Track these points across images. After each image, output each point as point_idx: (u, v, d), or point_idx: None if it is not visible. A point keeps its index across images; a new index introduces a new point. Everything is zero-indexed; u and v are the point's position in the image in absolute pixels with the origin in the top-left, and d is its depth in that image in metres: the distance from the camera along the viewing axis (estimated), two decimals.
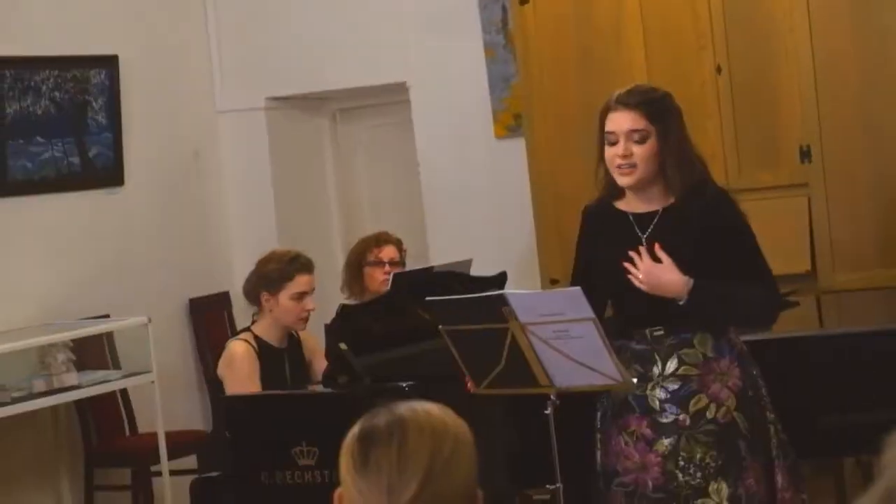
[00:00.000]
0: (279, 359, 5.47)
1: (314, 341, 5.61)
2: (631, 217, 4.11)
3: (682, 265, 3.96)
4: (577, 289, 3.92)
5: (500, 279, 5.29)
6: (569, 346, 3.94)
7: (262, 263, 5.53)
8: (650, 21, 6.52)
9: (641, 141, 4.02)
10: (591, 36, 6.65)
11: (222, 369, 5.45)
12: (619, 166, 4.03)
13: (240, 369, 5.35)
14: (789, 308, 4.24)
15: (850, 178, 6.18)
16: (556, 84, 6.75)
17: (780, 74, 6.30)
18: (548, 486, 4.24)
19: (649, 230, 4.07)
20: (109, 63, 7.51)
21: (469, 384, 4.17)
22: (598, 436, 4.17)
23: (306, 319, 5.50)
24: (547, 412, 4.08)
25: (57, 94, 7.27)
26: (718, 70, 6.38)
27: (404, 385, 4.63)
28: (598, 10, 6.62)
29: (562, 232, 6.65)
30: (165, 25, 7.95)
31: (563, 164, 6.70)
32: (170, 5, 7.99)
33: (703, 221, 4.04)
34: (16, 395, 6.39)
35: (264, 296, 5.44)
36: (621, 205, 4.16)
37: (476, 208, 7.59)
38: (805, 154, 6.22)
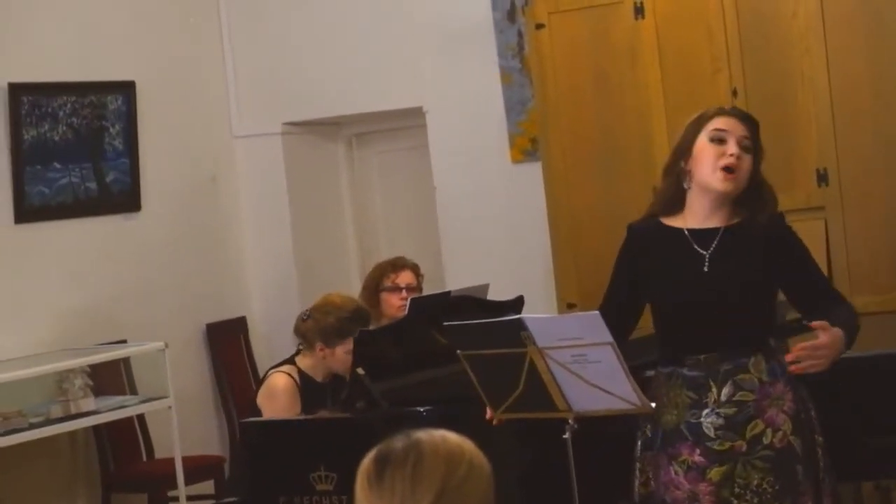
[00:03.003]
0: (321, 392, 5.45)
1: None
2: (687, 233, 4.04)
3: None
4: (595, 313, 3.90)
5: (517, 303, 5.28)
6: (587, 370, 3.93)
7: (322, 314, 5.44)
8: (666, 44, 6.52)
9: (747, 151, 4.00)
10: (607, 60, 6.65)
11: (262, 399, 5.44)
12: (725, 167, 3.97)
13: (279, 402, 5.34)
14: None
15: (866, 202, 6.17)
16: (572, 108, 6.74)
17: (796, 97, 6.29)
18: None
19: (713, 247, 4.01)
20: (126, 89, 7.54)
21: (488, 413, 4.15)
22: (638, 465, 4.12)
23: None
24: (565, 437, 4.07)
25: (74, 119, 7.29)
26: (734, 93, 6.36)
27: (422, 410, 4.63)
28: (614, 34, 6.62)
29: (578, 256, 6.65)
30: (182, 51, 7.98)
31: (580, 189, 6.69)
32: (187, 32, 8.02)
33: (770, 242, 4.02)
34: (33, 420, 6.40)
35: (319, 345, 5.41)
36: (674, 221, 4.09)
37: (492, 233, 7.59)
38: (822, 177, 6.21)
